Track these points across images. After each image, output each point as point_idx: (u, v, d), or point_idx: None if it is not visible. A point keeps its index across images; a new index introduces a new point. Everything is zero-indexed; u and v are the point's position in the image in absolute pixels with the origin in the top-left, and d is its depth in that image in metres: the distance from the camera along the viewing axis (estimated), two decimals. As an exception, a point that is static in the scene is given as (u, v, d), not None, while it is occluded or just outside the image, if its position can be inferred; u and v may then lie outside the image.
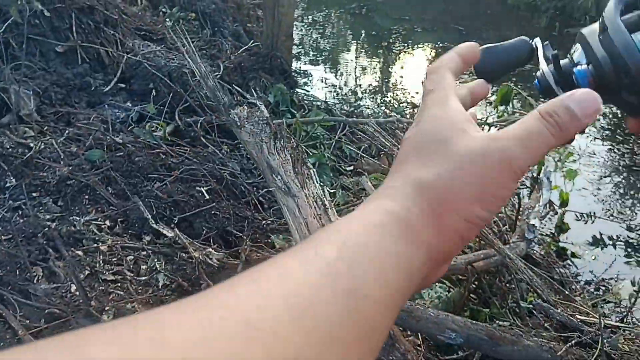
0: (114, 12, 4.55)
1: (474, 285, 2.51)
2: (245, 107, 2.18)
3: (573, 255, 3.93)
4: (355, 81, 7.19)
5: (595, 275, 3.74)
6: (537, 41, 0.57)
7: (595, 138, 5.54)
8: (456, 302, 2.42)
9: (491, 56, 0.55)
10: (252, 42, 6.08)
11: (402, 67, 7.63)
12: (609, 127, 5.76)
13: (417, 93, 6.39)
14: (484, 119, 5.04)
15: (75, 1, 4.21)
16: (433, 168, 0.44)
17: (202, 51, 5.73)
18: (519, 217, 3.00)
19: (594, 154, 5.27)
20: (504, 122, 4.29)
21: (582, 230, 4.23)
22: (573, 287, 3.52)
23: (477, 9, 10.17)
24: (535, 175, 3.71)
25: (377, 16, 9.47)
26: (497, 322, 2.49)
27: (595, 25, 0.55)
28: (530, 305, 2.49)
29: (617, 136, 5.57)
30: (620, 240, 4.14)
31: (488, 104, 5.99)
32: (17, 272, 2.65)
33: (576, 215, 4.35)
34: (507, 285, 2.63)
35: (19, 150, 3.37)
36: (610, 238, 4.17)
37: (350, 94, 6.74)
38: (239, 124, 2.14)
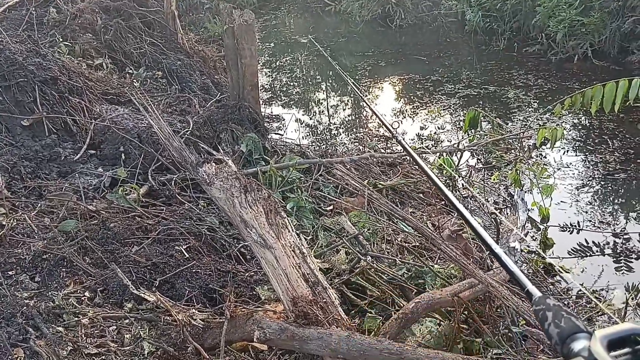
0: (79, 80, 4.56)
1: (463, 316, 2.48)
2: (214, 164, 2.17)
3: (561, 270, 3.91)
4: (328, 120, 7.26)
5: (586, 288, 3.71)
6: None
7: (568, 151, 5.62)
8: (448, 336, 2.38)
9: None
10: (220, 94, 6.13)
11: (372, 102, 7.73)
12: (580, 138, 5.84)
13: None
14: (456, 144, 5.10)
15: (38, 74, 4.21)
16: None
17: (172, 107, 5.75)
18: (499, 241, 3.00)
19: (568, 166, 5.33)
20: (475, 146, 4.35)
21: (567, 243, 4.23)
22: (565, 302, 3.49)
23: (436, 38, 10.42)
24: (509, 195, 3.73)
25: (341, 55, 9.65)
26: (491, 350, 2.45)
27: None
28: (522, 330, 2.46)
29: (588, 146, 5.65)
30: (607, 248, 4.14)
31: (458, 129, 6.06)
32: (-2, 356, 2.56)
33: (560, 228, 4.36)
34: (497, 311, 2.60)
35: (-10, 230, 3.30)
36: (597, 245, 4.17)
37: (323, 133, 6.78)
38: (208, 181, 2.12)
